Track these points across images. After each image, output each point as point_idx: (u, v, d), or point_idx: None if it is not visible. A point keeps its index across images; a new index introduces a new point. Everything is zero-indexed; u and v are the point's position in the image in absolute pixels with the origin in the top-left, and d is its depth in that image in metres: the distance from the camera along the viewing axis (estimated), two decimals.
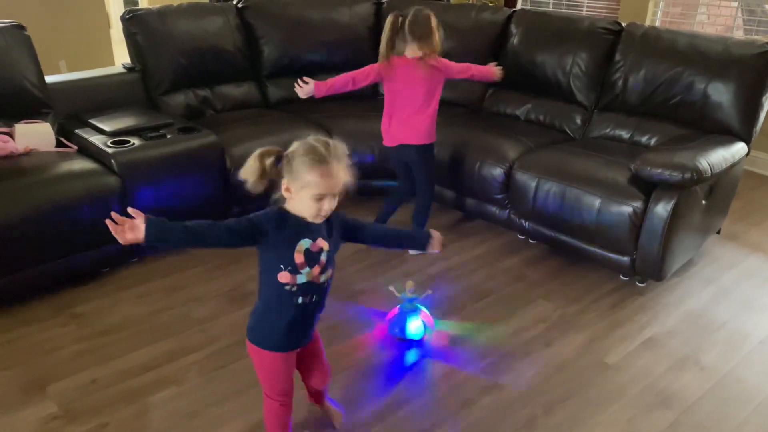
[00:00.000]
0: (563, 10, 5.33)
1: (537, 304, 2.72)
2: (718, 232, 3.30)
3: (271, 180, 1.56)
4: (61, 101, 3.14)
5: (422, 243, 1.85)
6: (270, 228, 1.54)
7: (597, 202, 2.75)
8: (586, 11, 5.28)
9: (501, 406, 2.14)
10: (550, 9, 5.41)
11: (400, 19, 2.80)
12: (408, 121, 2.92)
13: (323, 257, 1.59)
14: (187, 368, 2.26)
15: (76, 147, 2.93)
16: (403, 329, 2.42)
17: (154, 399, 2.11)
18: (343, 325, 2.53)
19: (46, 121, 2.96)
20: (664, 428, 2.07)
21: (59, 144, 2.94)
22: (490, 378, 2.27)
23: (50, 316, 2.53)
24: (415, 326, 2.42)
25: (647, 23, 4.63)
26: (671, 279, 2.94)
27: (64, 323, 2.49)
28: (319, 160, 1.48)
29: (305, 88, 2.86)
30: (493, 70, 3.12)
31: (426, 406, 2.14)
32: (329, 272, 1.64)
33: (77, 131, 3.01)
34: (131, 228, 1.46)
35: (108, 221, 1.46)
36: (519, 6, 5.53)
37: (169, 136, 2.96)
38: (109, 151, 2.77)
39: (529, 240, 3.23)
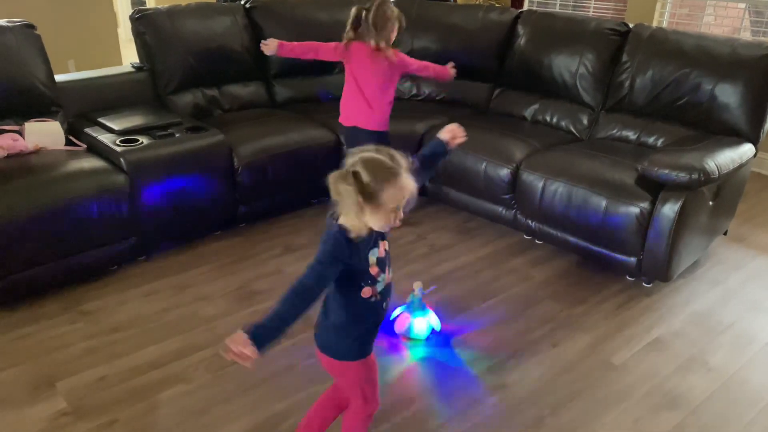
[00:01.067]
0: (570, 11, 5.33)
1: (543, 305, 2.73)
2: (725, 234, 3.29)
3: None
4: (70, 100, 3.16)
5: (442, 148, 1.84)
6: (344, 255, 1.50)
7: (604, 202, 2.75)
8: (593, 12, 5.27)
9: (507, 406, 2.14)
10: (557, 10, 5.41)
11: (364, 11, 2.96)
12: (362, 105, 3.05)
13: (387, 260, 1.61)
14: (195, 366, 2.27)
15: (85, 145, 2.94)
16: (409, 328, 2.43)
17: (163, 396, 2.13)
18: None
19: (55, 120, 2.98)
20: (670, 429, 2.08)
21: (68, 142, 2.96)
22: (496, 378, 2.27)
23: (59, 314, 2.55)
24: (419, 326, 2.43)
25: (654, 24, 4.63)
26: (678, 280, 2.94)
27: (73, 321, 2.51)
28: (392, 173, 1.46)
29: (270, 45, 3.03)
30: (448, 71, 3.22)
31: (432, 406, 2.14)
32: (390, 272, 1.64)
33: (86, 130, 3.03)
34: (244, 347, 1.42)
35: (229, 356, 1.43)
36: (526, 7, 5.52)
37: (177, 135, 2.97)
38: (118, 149, 2.79)
39: (536, 240, 3.23)
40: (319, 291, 1.52)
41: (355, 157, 1.49)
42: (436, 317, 2.49)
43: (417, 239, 3.26)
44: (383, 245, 1.58)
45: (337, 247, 1.50)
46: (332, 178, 1.46)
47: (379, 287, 1.58)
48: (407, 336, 2.45)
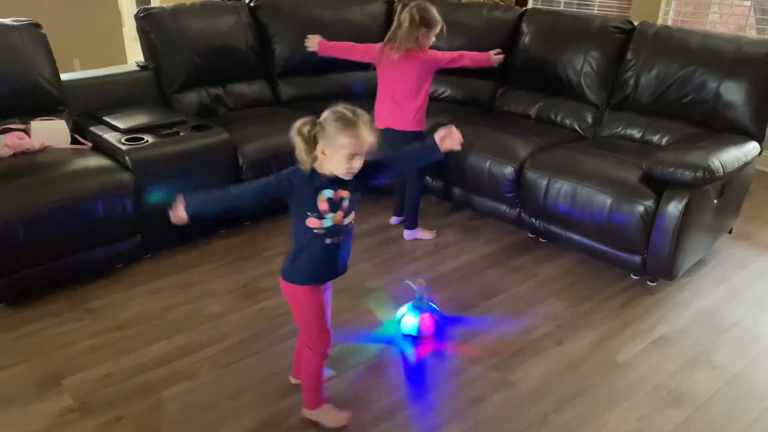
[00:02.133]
0: (574, 9, 5.32)
1: (548, 303, 2.73)
2: (730, 232, 3.29)
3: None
4: (75, 99, 3.18)
5: (433, 149, 1.96)
6: (297, 181, 1.76)
7: (608, 201, 2.75)
8: (598, 10, 5.26)
9: (511, 403, 2.15)
10: (562, 8, 5.40)
11: (409, 13, 2.91)
12: (393, 107, 3.05)
13: (345, 203, 1.80)
14: (201, 363, 2.28)
15: (90, 144, 2.96)
16: (408, 325, 2.45)
17: (168, 393, 2.14)
18: (353, 323, 2.55)
19: (61, 119, 2.99)
20: (674, 427, 2.08)
21: (74, 141, 2.97)
22: (500, 375, 2.27)
23: (65, 311, 2.56)
24: (421, 323, 2.44)
25: (659, 22, 4.62)
26: (682, 278, 2.94)
27: (79, 318, 2.52)
28: (350, 124, 1.69)
29: (312, 41, 3.09)
30: (488, 56, 3.19)
31: (436, 402, 2.15)
32: (352, 215, 1.84)
33: (92, 128, 3.04)
34: (177, 208, 1.82)
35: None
36: (530, 5, 5.52)
37: (182, 134, 2.98)
38: (123, 148, 2.80)
39: (540, 239, 3.23)
40: (256, 196, 1.82)
41: (327, 111, 1.75)
42: (432, 318, 2.49)
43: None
44: (342, 193, 1.78)
45: (292, 172, 1.77)
46: (298, 122, 1.73)
47: (326, 223, 1.78)
48: (415, 335, 2.45)
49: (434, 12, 2.91)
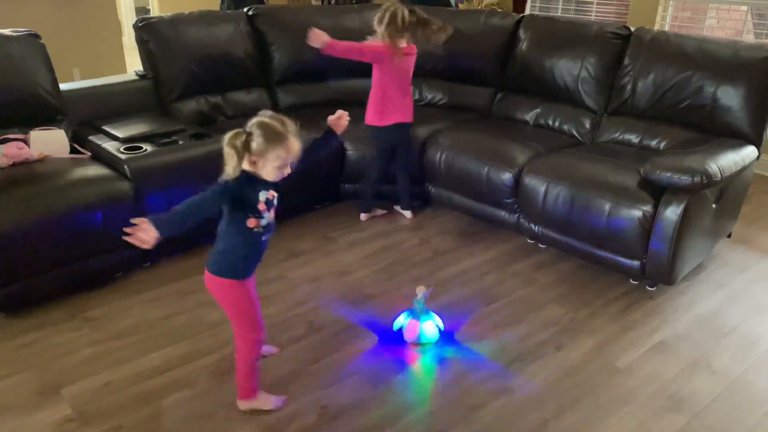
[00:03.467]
0: (572, 15, 5.34)
1: (547, 308, 2.73)
2: (729, 236, 3.29)
3: None
4: (74, 108, 3.19)
5: (330, 134, 2.24)
6: (242, 189, 1.85)
7: (607, 206, 2.75)
8: (595, 16, 5.28)
9: (511, 409, 2.14)
10: (559, 14, 5.42)
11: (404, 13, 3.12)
12: (408, 100, 3.30)
13: (275, 202, 1.96)
14: (200, 371, 2.28)
15: (89, 153, 2.96)
16: (420, 335, 2.44)
17: (167, 402, 2.13)
18: (353, 329, 2.55)
19: (60, 128, 3.00)
20: None
21: (73, 150, 2.98)
22: (500, 382, 2.27)
23: (64, 320, 2.56)
24: (430, 329, 2.44)
25: (656, 27, 4.63)
26: (681, 283, 2.93)
27: (78, 327, 2.52)
28: (280, 138, 1.81)
29: (320, 38, 3.10)
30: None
31: (436, 409, 2.14)
32: (272, 214, 1.98)
33: (91, 138, 3.05)
34: (144, 231, 1.75)
35: (127, 237, 1.76)
36: (527, 11, 5.54)
37: (181, 143, 2.99)
38: (122, 157, 2.81)
39: (539, 244, 3.23)
40: (208, 208, 1.86)
41: (253, 120, 1.84)
42: (439, 317, 2.49)
43: (420, 243, 3.27)
44: (273, 193, 1.92)
45: (234, 185, 1.83)
46: (229, 134, 1.81)
47: (263, 221, 1.91)
48: (418, 342, 2.45)
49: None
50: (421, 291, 2.43)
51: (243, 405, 2.10)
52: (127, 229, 1.75)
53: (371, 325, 2.57)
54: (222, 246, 1.96)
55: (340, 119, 2.22)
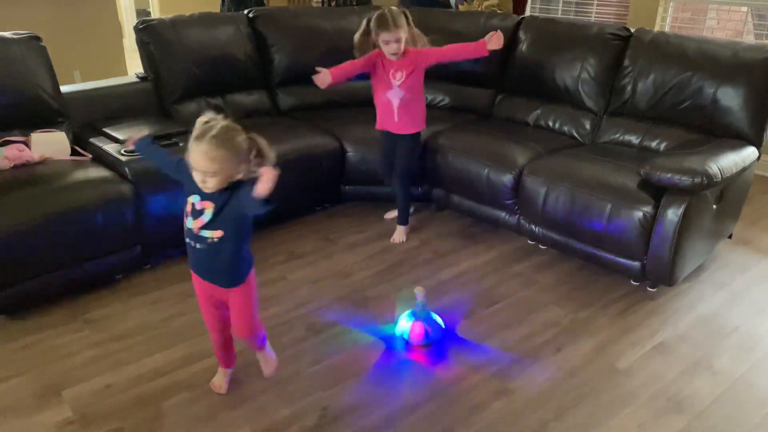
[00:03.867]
0: (572, 17, 5.34)
1: (547, 310, 2.73)
2: (730, 237, 3.29)
3: None
4: (75, 110, 3.19)
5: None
6: (185, 178, 1.82)
7: (607, 207, 2.75)
8: (595, 17, 5.29)
9: (512, 411, 2.14)
10: (559, 15, 5.42)
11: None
12: (390, 111, 3.14)
13: (205, 217, 1.81)
14: (201, 373, 2.28)
15: (90, 155, 2.97)
16: (408, 333, 2.45)
17: (168, 404, 2.13)
18: (353, 331, 2.55)
19: (61, 130, 3.01)
20: None
21: (74, 152, 2.98)
22: (500, 383, 2.27)
23: (65, 322, 2.56)
24: (417, 331, 2.44)
25: (656, 28, 4.63)
26: (682, 284, 2.93)
27: (79, 329, 2.53)
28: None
29: (324, 79, 3.00)
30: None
31: (436, 411, 2.14)
32: (215, 233, 1.83)
33: (92, 140, 3.05)
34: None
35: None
36: (527, 13, 5.54)
37: (181, 144, 2.99)
38: (123, 159, 2.81)
39: (539, 245, 3.23)
40: (169, 164, 1.94)
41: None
42: (426, 327, 2.48)
43: (421, 245, 3.27)
44: (207, 204, 1.80)
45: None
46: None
47: (186, 223, 1.84)
48: (425, 344, 2.45)
49: None
50: (419, 292, 2.43)
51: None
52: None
53: (372, 327, 2.57)
54: None
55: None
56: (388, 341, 2.49)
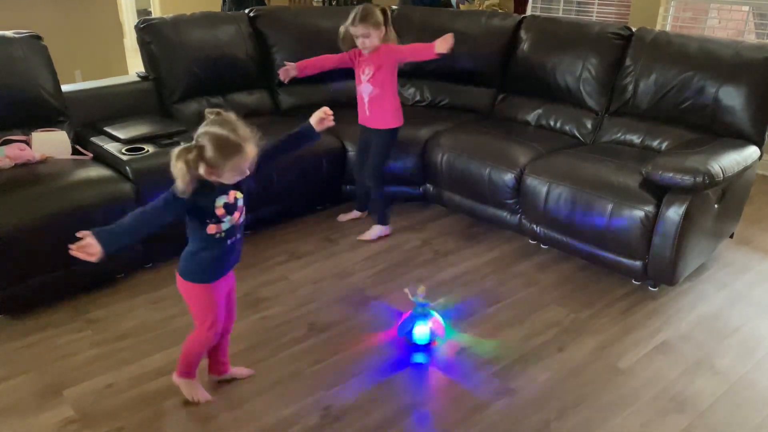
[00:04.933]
0: (573, 16, 5.34)
1: (549, 309, 2.72)
2: (731, 237, 3.28)
3: None
4: (76, 110, 3.19)
5: (309, 130, 2.17)
6: (195, 199, 1.78)
7: (609, 206, 2.75)
8: (596, 17, 5.28)
9: (513, 411, 2.14)
10: (560, 15, 5.41)
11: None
12: (364, 106, 3.22)
13: (239, 203, 1.90)
14: (202, 373, 2.26)
15: (91, 155, 2.97)
16: (410, 333, 2.44)
17: (170, 403, 2.13)
18: (354, 331, 2.55)
19: (62, 130, 3.00)
20: None
21: (75, 152, 2.98)
22: (502, 383, 2.27)
23: (66, 322, 2.56)
24: (421, 331, 2.43)
25: (657, 28, 4.63)
26: (684, 283, 2.93)
27: (80, 328, 2.52)
28: (236, 149, 1.75)
29: (288, 71, 3.18)
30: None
31: (438, 410, 2.14)
32: (244, 212, 1.94)
33: (92, 139, 3.05)
34: (88, 247, 1.71)
35: (72, 251, 1.72)
36: (529, 12, 5.54)
37: (182, 144, 2.98)
38: (124, 158, 2.81)
39: (541, 245, 3.23)
40: (159, 219, 1.82)
41: (202, 129, 1.77)
42: (441, 325, 2.48)
43: (422, 245, 3.27)
44: (233, 194, 1.86)
45: (172, 197, 1.78)
46: (177, 152, 1.73)
47: (225, 226, 1.87)
48: (408, 339, 2.45)
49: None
50: (422, 291, 2.42)
51: (176, 379, 2.12)
52: (71, 245, 1.70)
53: (373, 327, 2.57)
54: (189, 250, 1.94)
55: (324, 121, 2.16)
56: (390, 341, 2.48)
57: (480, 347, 2.46)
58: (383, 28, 3.02)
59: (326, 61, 3.20)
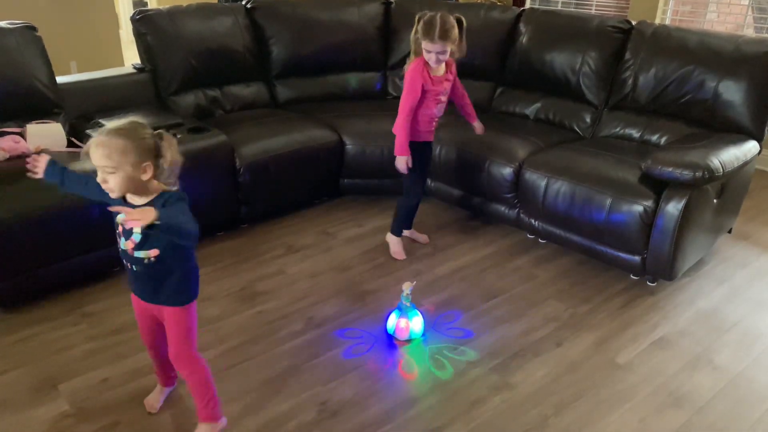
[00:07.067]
0: (572, 9, 5.31)
1: (547, 304, 2.71)
2: (730, 232, 3.28)
3: None
4: (72, 102, 3.16)
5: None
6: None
7: (607, 201, 2.73)
8: (596, 10, 5.25)
9: (511, 406, 2.13)
10: (559, 8, 5.39)
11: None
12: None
13: (135, 237, 1.67)
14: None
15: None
16: (394, 328, 2.45)
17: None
18: (351, 325, 2.53)
19: (57, 122, 2.98)
20: (676, 428, 2.06)
21: (70, 144, 2.95)
22: (500, 378, 2.26)
23: (62, 315, 2.54)
24: (402, 326, 2.43)
25: (657, 22, 4.60)
26: (682, 278, 2.92)
27: (76, 322, 2.51)
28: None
29: (401, 164, 2.81)
30: None
31: (436, 405, 2.13)
32: (150, 252, 1.69)
33: (88, 131, 3.01)
34: (39, 163, 1.78)
35: (27, 161, 1.77)
36: (528, 5, 5.51)
37: (178, 136, 2.94)
38: None
39: (539, 239, 3.22)
40: (90, 191, 1.77)
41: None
42: (419, 322, 2.47)
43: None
44: (130, 221, 1.55)
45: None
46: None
47: (120, 245, 1.71)
48: (409, 339, 2.44)
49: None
50: (407, 287, 2.41)
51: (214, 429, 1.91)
52: (28, 159, 1.78)
53: (371, 321, 2.56)
54: None
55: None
56: (387, 335, 2.47)
57: (478, 342, 2.45)
58: (459, 42, 2.68)
59: (412, 112, 2.77)
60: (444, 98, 2.83)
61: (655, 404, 2.16)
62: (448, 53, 2.66)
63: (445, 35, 2.59)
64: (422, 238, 3.23)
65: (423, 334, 2.47)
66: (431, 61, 2.67)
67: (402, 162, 2.81)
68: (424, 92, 2.74)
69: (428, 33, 2.60)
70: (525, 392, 2.19)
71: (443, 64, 2.75)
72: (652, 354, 2.41)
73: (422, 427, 2.04)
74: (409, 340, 2.44)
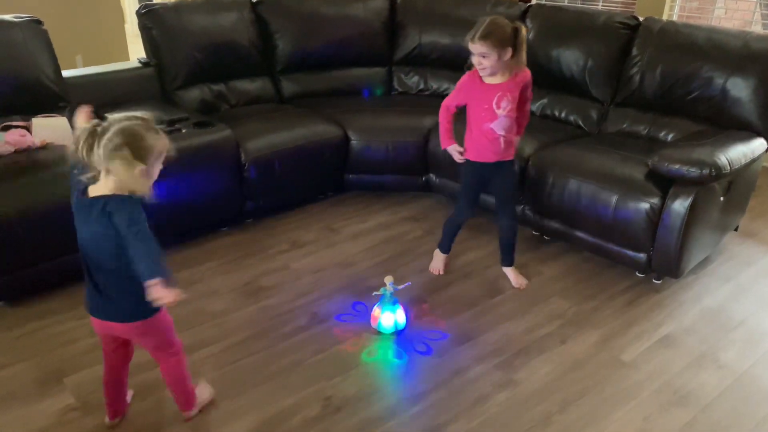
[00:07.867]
0: (579, 5, 5.28)
1: (552, 301, 2.71)
2: (736, 229, 3.26)
3: None
4: (77, 95, 3.14)
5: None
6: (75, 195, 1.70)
7: (613, 198, 2.72)
8: (602, 6, 5.22)
9: (516, 402, 2.13)
10: (566, 3, 5.36)
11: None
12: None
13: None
14: (202, 362, 2.27)
15: None
16: (378, 321, 2.46)
17: (169, 392, 2.12)
18: (355, 321, 2.53)
19: (62, 116, 2.98)
20: (680, 427, 2.06)
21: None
22: (504, 374, 2.26)
23: (66, 309, 2.55)
24: (387, 320, 2.44)
25: (664, 18, 4.58)
26: (688, 276, 2.91)
27: (80, 316, 2.50)
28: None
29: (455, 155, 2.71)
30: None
31: (440, 402, 2.13)
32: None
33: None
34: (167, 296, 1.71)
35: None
36: (534, 0, 5.48)
37: (184, 131, 2.97)
38: None
39: (544, 236, 3.21)
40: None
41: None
42: (404, 314, 2.48)
43: (424, 235, 3.25)
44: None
45: (75, 179, 1.72)
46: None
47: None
48: (391, 332, 2.45)
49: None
50: (389, 281, 2.41)
51: (191, 413, 2.00)
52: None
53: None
54: None
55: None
56: (391, 332, 2.47)
57: (482, 339, 2.45)
58: (509, 49, 2.43)
59: (451, 113, 2.70)
60: (502, 113, 2.55)
61: (660, 402, 2.15)
62: (493, 58, 2.42)
63: (486, 36, 2.39)
64: (516, 280, 2.84)
65: (400, 330, 2.46)
66: (476, 63, 2.51)
67: (452, 152, 2.69)
68: (470, 98, 2.60)
69: (470, 32, 2.44)
70: (529, 389, 2.19)
71: (499, 73, 2.52)
72: (657, 352, 2.41)
73: (426, 424, 2.04)
74: (388, 332, 2.45)
